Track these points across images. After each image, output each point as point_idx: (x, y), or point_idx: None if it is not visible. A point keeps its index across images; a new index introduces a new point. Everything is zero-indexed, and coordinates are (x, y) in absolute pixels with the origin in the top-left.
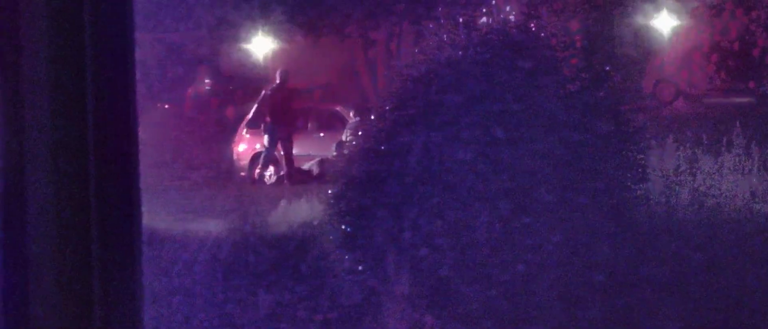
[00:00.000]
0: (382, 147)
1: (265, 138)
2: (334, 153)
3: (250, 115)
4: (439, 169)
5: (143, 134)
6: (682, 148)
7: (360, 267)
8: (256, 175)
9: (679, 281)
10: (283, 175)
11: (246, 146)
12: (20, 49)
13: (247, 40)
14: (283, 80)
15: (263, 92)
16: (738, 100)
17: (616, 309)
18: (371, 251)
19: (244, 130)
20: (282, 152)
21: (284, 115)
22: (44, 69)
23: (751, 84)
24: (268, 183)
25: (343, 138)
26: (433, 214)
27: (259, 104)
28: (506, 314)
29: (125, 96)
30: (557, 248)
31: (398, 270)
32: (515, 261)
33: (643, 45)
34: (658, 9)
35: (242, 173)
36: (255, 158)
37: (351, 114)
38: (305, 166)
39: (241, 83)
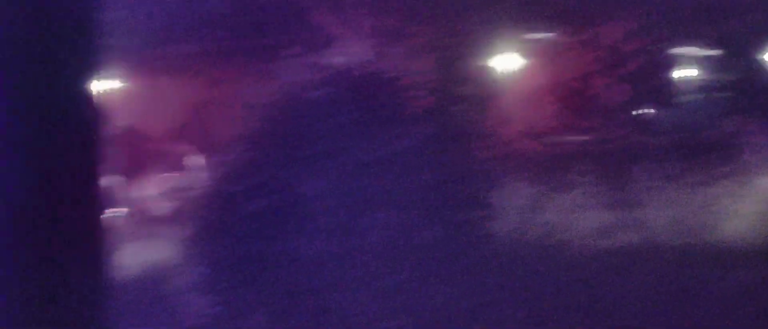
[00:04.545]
0: (232, 188)
1: None
2: (170, 196)
3: None
4: (288, 208)
5: None
6: (527, 186)
7: (216, 308)
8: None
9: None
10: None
11: None
12: None
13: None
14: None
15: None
16: (580, 138)
17: None
18: (227, 291)
19: None
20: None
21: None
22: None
23: (593, 122)
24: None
25: (177, 182)
26: (285, 250)
27: None
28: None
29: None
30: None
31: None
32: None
33: (488, 84)
34: (502, 48)
35: None
36: None
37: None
38: (155, 212)
39: None
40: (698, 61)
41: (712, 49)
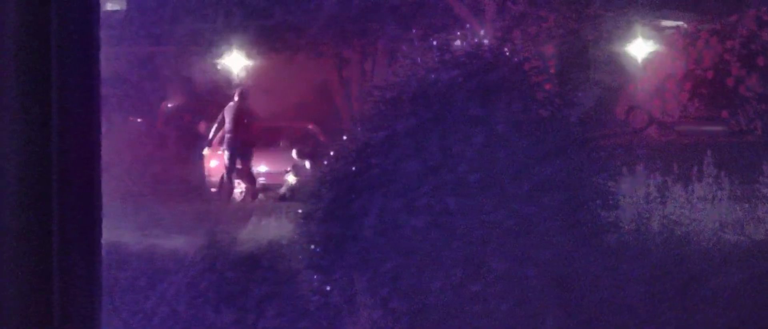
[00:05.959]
0: (353, 168)
1: (225, 155)
2: (292, 176)
3: (211, 133)
4: (408, 195)
5: (114, 149)
6: (653, 176)
7: (328, 287)
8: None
9: (648, 310)
10: (249, 191)
11: (217, 162)
12: None
13: (221, 55)
14: (241, 98)
15: (223, 109)
16: (711, 129)
17: None
18: (339, 271)
19: (205, 148)
20: (241, 168)
21: (243, 132)
22: (11, 75)
23: (724, 113)
24: (237, 199)
25: (296, 164)
26: (400, 232)
27: (218, 122)
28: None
29: (89, 103)
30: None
31: (365, 293)
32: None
33: (617, 71)
34: (632, 36)
35: (213, 189)
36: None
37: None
38: (281, 190)
39: (214, 98)
40: None
41: None
